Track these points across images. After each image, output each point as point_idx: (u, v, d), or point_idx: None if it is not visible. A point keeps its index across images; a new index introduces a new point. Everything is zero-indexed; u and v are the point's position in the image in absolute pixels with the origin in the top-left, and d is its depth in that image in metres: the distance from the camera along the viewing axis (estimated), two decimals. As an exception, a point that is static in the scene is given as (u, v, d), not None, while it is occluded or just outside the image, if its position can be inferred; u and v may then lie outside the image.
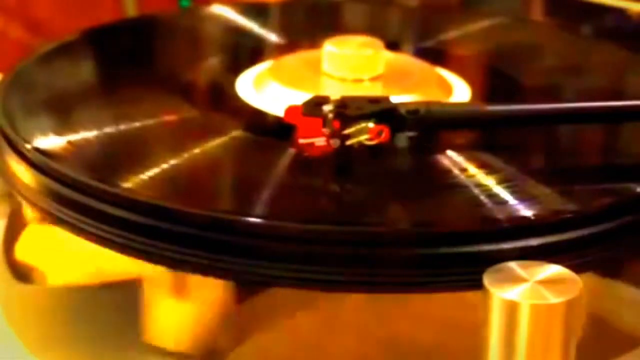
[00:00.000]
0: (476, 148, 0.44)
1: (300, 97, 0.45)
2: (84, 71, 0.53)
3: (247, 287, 0.43)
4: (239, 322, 0.44)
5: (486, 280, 0.35)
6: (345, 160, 0.42)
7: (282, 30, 0.59)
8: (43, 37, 0.74)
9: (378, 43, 0.51)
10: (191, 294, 0.44)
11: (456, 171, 0.42)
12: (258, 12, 0.61)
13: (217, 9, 0.61)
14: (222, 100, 0.50)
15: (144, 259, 0.40)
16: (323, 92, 0.45)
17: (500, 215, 0.39)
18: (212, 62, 0.55)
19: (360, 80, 0.50)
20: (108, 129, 0.46)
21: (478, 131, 0.46)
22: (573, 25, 0.66)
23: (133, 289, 0.44)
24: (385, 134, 0.42)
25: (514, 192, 0.40)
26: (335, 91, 0.45)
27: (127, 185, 0.40)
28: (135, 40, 0.58)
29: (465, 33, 0.59)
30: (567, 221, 0.39)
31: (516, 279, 0.35)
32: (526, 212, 0.39)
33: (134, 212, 0.39)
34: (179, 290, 0.44)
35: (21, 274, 0.48)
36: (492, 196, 0.40)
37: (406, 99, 0.46)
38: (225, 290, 0.44)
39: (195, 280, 0.42)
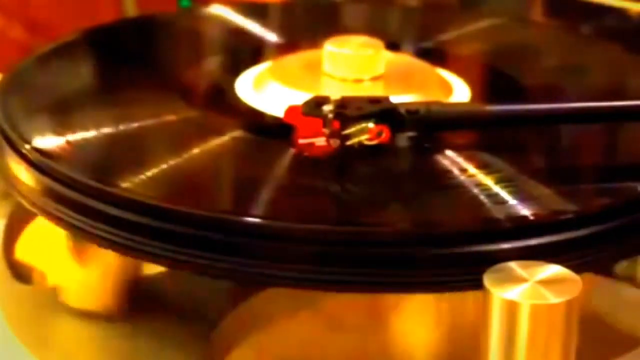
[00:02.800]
0: (476, 148, 0.44)
1: (300, 97, 0.45)
2: (84, 71, 0.53)
3: (247, 287, 0.43)
4: (238, 322, 0.44)
5: (486, 280, 0.35)
6: (345, 160, 0.42)
7: (282, 30, 0.59)
8: (43, 37, 0.74)
9: (378, 43, 0.51)
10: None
11: (456, 171, 0.42)
12: (258, 12, 0.61)
13: (217, 9, 0.61)
14: (221, 101, 0.50)
15: (144, 259, 0.40)
16: (323, 92, 0.45)
17: (500, 215, 0.39)
18: (212, 62, 0.55)
19: (360, 81, 0.50)
20: (108, 129, 0.46)
21: (478, 131, 0.46)
22: (573, 25, 0.66)
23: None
24: (385, 134, 0.42)
25: (514, 192, 0.40)
26: (335, 91, 0.45)
27: (126, 185, 0.40)
28: (135, 40, 0.58)
29: (465, 33, 0.59)
30: (567, 221, 0.39)
31: (516, 279, 0.35)
32: (526, 212, 0.39)
33: (133, 212, 0.39)
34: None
35: (21, 274, 0.48)
36: (492, 196, 0.40)
37: (406, 99, 0.46)
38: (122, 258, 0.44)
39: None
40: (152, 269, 0.45)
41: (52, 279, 0.48)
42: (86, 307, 0.46)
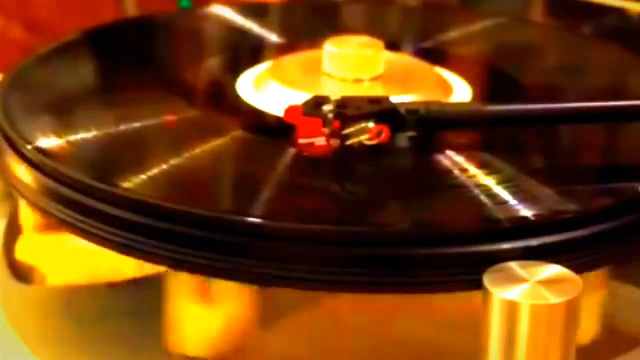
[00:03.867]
0: (476, 148, 0.44)
1: (300, 97, 0.45)
2: (84, 71, 0.53)
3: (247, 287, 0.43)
4: (239, 322, 0.44)
5: (486, 280, 0.35)
6: (345, 160, 0.42)
7: (282, 30, 0.59)
8: (43, 37, 0.74)
9: (378, 43, 0.51)
10: (211, 296, 0.43)
11: (456, 171, 0.42)
12: (258, 12, 0.61)
13: (217, 9, 0.61)
14: (222, 101, 0.50)
15: (144, 259, 0.40)
16: (323, 92, 0.45)
17: (500, 215, 0.39)
18: (212, 63, 0.55)
19: (360, 80, 0.50)
20: (108, 129, 0.46)
21: (478, 131, 0.46)
22: (573, 25, 0.66)
23: (138, 289, 0.44)
24: (385, 134, 0.42)
25: (514, 192, 0.40)
26: (335, 91, 0.45)
27: (127, 185, 0.40)
28: (135, 40, 0.58)
29: (465, 33, 0.59)
30: (567, 221, 0.39)
31: (516, 279, 0.35)
32: (526, 212, 0.39)
33: (134, 212, 0.39)
34: (199, 292, 0.43)
35: (21, 274, 0.48)
36: (492, 196, 0.40)
37: (406, 99, 0.46)
38: (246, 293, 0.43)
39: (216, 282, 0.41)
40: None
41: (58, 282, 0.47)
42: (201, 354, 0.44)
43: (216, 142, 0.45)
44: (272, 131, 0.46)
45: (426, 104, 0.44)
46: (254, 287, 0.41)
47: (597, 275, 0.43)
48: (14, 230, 0.49)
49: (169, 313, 0.43)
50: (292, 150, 0.42)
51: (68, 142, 0.44)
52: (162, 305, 0.43)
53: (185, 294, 0.42)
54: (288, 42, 0.57)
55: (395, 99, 0.44)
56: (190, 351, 0.43)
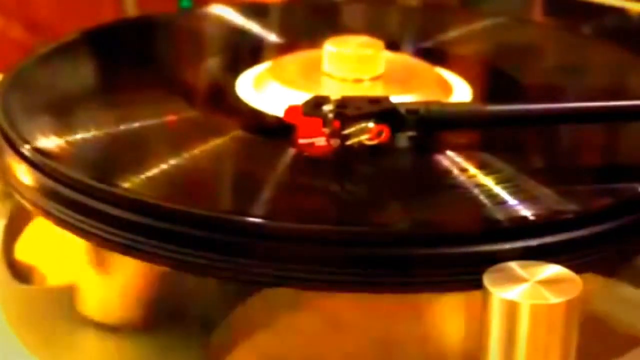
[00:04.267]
0: (476, 148, 0.44)
1: (300, 97, 0.45)
2: (84, 71, 0.53)
3: (247, 287, 0.43)
4: (238, 322, 0.44)
5: (486, 280, 0.35)
6: (345, 160, 0.42)
7: (282, 30, 0.59)
8: (43, 37, 0.74)
9: (378, 43, 0.51)
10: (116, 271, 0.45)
11: (456, 171, 0.42)
12: (258, 12, 0.61)
13: (217, 9, 0.61)
14: (222, 101, 0.50)
15: (144, 259, 0.40)
16: (323, 92, 0.45)
17: (500, 215, 0.39)
18: (212, 63, 0.55)
19: (360, 80, 0.50)
20: (108, 129, 0.46)
21: (478, 131, 0.46)
22: (573, 25, 0.66)
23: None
24: (385, 134, 0.42)
25: (513, 192, 0.40)
26: (335, 91, 0.45)
27: (127, 185, 0.40)
28: (135, 40, 0.58)
29: (465, 33, 0.59)
30: (567, 221, 0.39)
31: (516, 279, 0.35)
32: (526, 212, 0.39)
33: (134, 212, 0.39)
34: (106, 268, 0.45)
35: (21, 274, 0.48)
36: (492, 196, 0.40)
37: (406, 99, 0.46)
38: (144, 268, 0.43)
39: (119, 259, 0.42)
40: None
41: (58, 281, 0.48)
42: (104, 319, 0.45)
43: (216, 142, 0.45)
44: (272, 131, 0.46)
45: (426, 104, 0.44)
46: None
47: (597, 275, 0.43)
48: (14, 230, 0.49)
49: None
50: (292, 150, 0.42)
51: (67, 142, 0.44)
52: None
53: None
54: (288, 42, 0.57)
55: (395, 99, 0.44)
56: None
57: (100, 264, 0.46)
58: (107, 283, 0.46)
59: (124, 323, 0.45)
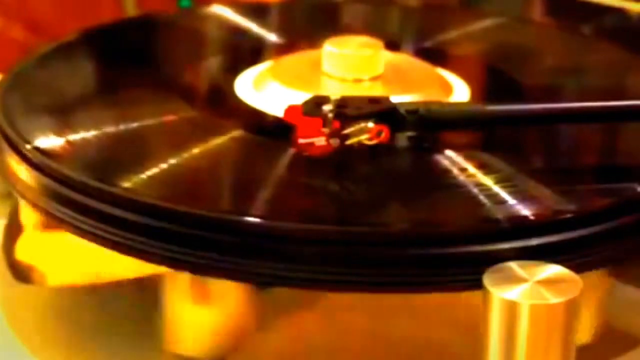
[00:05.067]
0: (476, 148, 0.44)
1: (300, 97, 0.45)
2: (84, 71, 0.53)
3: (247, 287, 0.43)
4: (239, 322, 0.44)
5: (486, 280, 0.35)
6: (345, 160, 0.42)
7: (282, 30, 0.59)
8: (43, 37, 0.74)
9: (378, 43, 0.51)
10: (209, 296, 0.43)
11: (456, 171, 0.42)
12: (258, 12, 0.61)
13: (217, 9, 0.61)
14: (221, 101, 0.50)
15: (144, 259, 0.40)
16: (323, 92, 0.45)
17: (500, 215, 0.39)
18: (212, 62, 0.55)
19: (360, 80, 0.50)
20: (108, 129, 0.46)
21: (478, 131, 0.46)
22: (573, 25, 0.66)
23: (138, 289, 0.44)
24: (385, 134, 0.42)
25: (513, 192, 0.40)
26: (335, 91, 0.45)
27: (127, 185, 0.40)
28: (135, 40, 0.57)
29: (465, 33, 0.59)
30: (567, 221, 0.39)
31: (516, 279, 0.35)
32: (526, 212, 0.39)
33: (134, 212, 0.39)
34: (196, 292, 0.43)
35: (21, 274, 0.48)
36: (492, 196, 0.40)
37: (406, 99, 0.46)
38: (244, 293, 0.43)
39: (213, 282, 0.41)
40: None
41: (58, 282, 0.47)
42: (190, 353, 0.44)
43: (216, 142, 0.45)
44: (272, 131, 0.46)
45: (426, 104, 0.44)
46: (250, 287, 0.41)
47: (597, 275, 0.43)
48: (14, 230, 0.49)
49: (166, 313, 0.43)
50: (292, 150, 0.42)
51: (68, 142, 0.44)
52: (160, 305, 0.43)
53: (182, 293, 0.42)
54: (288, 42, 0.57)
55: (395, 99, 0.44)
56: (187, 351, 0.43)
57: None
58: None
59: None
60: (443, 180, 0.42)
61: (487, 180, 0.41)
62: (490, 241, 0.38)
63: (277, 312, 0.44)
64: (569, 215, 0.39)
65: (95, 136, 0.45)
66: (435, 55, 0.54)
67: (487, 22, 0.61)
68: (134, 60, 0.54)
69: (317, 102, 0.43)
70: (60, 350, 0.45)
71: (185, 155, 0.43)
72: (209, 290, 0.42)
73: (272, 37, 0.58)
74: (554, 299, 0.34)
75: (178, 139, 0.45)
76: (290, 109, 0.43)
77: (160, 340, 0.43)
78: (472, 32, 0.59)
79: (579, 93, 0.52)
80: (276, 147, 0.43)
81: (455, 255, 0.38)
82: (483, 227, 0.38)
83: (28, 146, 0.43)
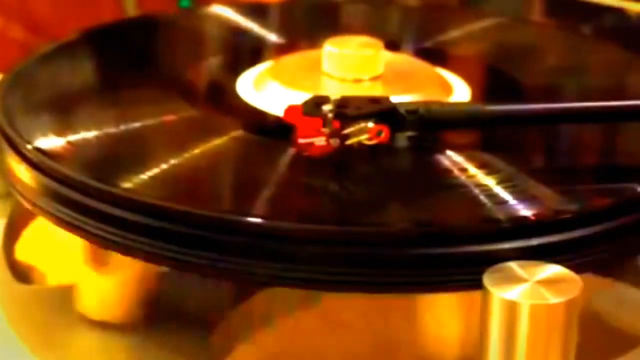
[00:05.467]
0: (476, 148, 0.44)
1: (300, 97, 0.45)
2: (84, 71, 0.53)
3: (247, 287, 0.43)
4: (238, 322, 0.44)
5: (486, 280, 0.35)
6: (345, 160, 0.42)
7: (282, 30, 0.59)
8: (43, 37, 0.74)
9: (378, 43, 0.51)
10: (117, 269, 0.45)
11: (456, 171, 0.42)
12: (258, 12, 0.61)
13: (217, 9, 0.61)
14: (222, 100, 0.50)
15: (144, 259, 0.40)
16: (323, 92, 0.45)
17: (500, 215, 0.39)
18: (212, 62, 0.55)
19: (360, 80, 0.50)
20: (108, 129, 0.46)
21: (478, 131, 0.46)
22: (573, 25, 0.66)
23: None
24: (385, 134, 0.42)
25: (514, 192, 0.40)
26: (335, 91, 0.45)
27: (127, 185, 0.40)
28: (135, 40, 0.58)
29: (465, 33, 0.59)
30: (567, 221, 0.39)
31: (516, 279, 0.35)
32: (526, 212, 0.39)
33: (134, 212, 0.39)
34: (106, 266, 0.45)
35: (21, 274, 0.48)
36: (492, 196, 0.40)
37: (406, 99, 0.46)
38: (142, 267, 0.44)
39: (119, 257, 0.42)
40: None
41: (58, 281, 0.48)
42: (102, 317, 0.45)
43: (216, 142, 0.45)
44: (272, 131, 0.46)
45: (426, 104, 0.44)
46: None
47: (597, 275, 0.43)
48: (14, 230, 0.49)
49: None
50: (292, 150, 0.42)
51: (68, 141, 0.44)
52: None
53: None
54: (288, 42, 0.57)
55: (395, 99, 0.44)
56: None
57: (100, 263, 0.46)
58: (107, 281, 0.46)
59: (124, 322, 0.45)
60: (443, 180, 0.42)
61: (488, 180, 0.41)
62: (490, 241, 0.38)
63: (277, 312, 0.44)
64: (569, 215, 0.39)
65: (95, 136, 0.45)
66: (435, 55, 0.54)
67: (487, 22, 0.61)
68: (134, 60, 0.54)
69: (317, 102, 0.43)
70: (60, 350, 0.45)
71: (186, 155, 0.43)
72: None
73: (272, 37, 0.58)
74: (554, 299, 0.34)
75: (178, 139, 0.45)
76: (290, 109, 0.43)
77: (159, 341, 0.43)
78: (472, 32, 0.59)
79: (579, 93, 0.52)
80: (276, 147, 0.43)
81: (455, 255, 0.38)
82: (483, 227, 0.38)
83: (28, 146, 0.43)
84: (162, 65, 0.55)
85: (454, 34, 0.59)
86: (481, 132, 0.46)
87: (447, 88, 0.51)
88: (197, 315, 0.44)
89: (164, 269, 0.41)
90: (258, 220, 0.38)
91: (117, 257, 0.41)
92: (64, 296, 0.47)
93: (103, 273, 0.46)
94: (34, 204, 0.43)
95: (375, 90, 0.49)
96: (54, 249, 0.47)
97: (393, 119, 0.43)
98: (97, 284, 0.46)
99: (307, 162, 0.42)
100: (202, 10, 0.62)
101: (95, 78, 0.53)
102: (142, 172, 0.41)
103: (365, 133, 0.42)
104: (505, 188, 0.41)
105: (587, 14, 0.67)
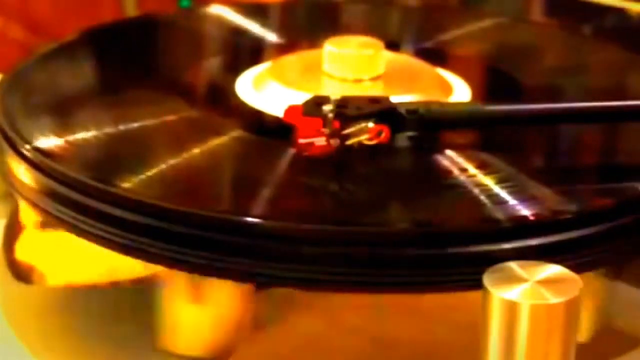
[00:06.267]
0: (476, 148, 0.44)
1: (300, 97, 0.45)
2: (84, 71, 0.53)
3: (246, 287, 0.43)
4: (239, 322, 0.44)
5: (486, 280, 0.35)
6: (345, 160, 0.42)
7: (282, 30, 0.59)
8: (43, 37, 0.74)
9: (378, 43, 0.51)
10: (206, 296, 0.43)
11: (456, 171, 0.42)
12: (258, 12, 0.61)
13: (217, 9, 0.61)
14: (221, 101, 0.50)
15: (144, 259, 0.40)
16: (323, 92, 0.45)
17: (500, 215, 0.39)
18: (212, 62, 0.55)
19: (360, 80, 0.50)
20: (108, 129, 0.46)
21: (478, 131, 0.46)
22: (573, 25, 0.66)
23: (138, 290, 0.44)
24: (385, 134, 0.42)
25: (513, 192, 0.40)
26: (335, 91, 0.45)
27: (127, 185, 0.40)
28: (135, 40, 0.57)
29: (465, 33, 0.59)
30: (567, 221, 0.39)
31: (516, 279, 0.35)
32: (526, 212, 0.39)
33: (134, 212, 0.39)
34: (194, 293, 0.43)
35: (21, 274, 0.48)
36: (492, 196, 0.40)
37: (406, 99, 0.46)
38: (241, 294, 0.43)
39: (210, 283, 0.42)
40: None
41: (58, 282, 0.47)
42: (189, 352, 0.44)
43: (216, 142, 0.45)
44: (272, 131, 0.46)
45: (426, 104, 0.44)
46: (246, 286, 0.42)
47: (597, 275, 0.43)
48: (14, 230, 0.49)
49: (163, 312, 0.43)
50: (292, 150, 0.42)
51: (68, 142, 0.44)
52: (158, 305, 0.43)
53: (178, 293, 0.42)
54: (288, 42, 0.57)
55: (395, 99, 0.44)
56: (185, 351, 0.43)
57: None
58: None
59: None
60: (443, 180, 0.42)
61: (487, 180, 0.41)
62: (490, 241, 0.38)
63: (277, 312, 0.44)
64: (569, 215, 0.39)
65: (95, 136, 0.45)
66: (435, 55, 0.54)
67: (487, 22, 0.61)
68: (134, 60, 0.54)
69: (317, 102, 0.43)
70: (60, 350, 0.45)
71: (185, 155, 0.43)
72: (205, 289, 0.42)
73: (272, 37, 0.58)
74: (554, 299, 0.34)
75: (178, 139, 0.45)
76: (290, 109, 0.43)
77: (159, 340, 0.43)
78: (472, 32, 0.59)
79: (579, 93, 0.52)
80: (276, 147, 0.43)
81: (455, 255, 0.38)
82: (483, 227, 0.38)
83: (28, 146, 0.43)
84: (162, 66, 0.55)
85: (454, 34, 0.59)
86: (481, 132, 0.46)
87: (447, 88, 0.51)
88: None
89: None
90: (258, 220, 0.38)
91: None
92: (64, 296, 0.47)
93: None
94: (34, 204, 0.43)
95: (376, 90, 0.49)
96: (54, 249, 0.47)
97: (393, 119, 0.43)
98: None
99: (307, 162, 0.42)
100: (202, 10, 0.62)
101: (95, 78, 0.53)
102: (142, 172, 0.41)
103: (365, 133, 0.42)
104: (505, 188, 0.41)
105: (588, 14, 0.67)
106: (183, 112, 0.48)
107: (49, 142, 0.44)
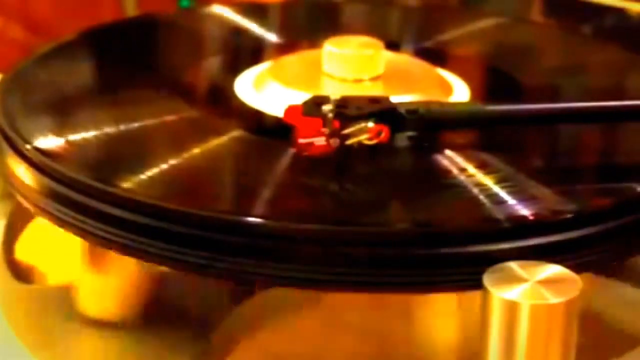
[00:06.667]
0: (476, 148, 0.44)
1: (300, 97, 0.45)
2: (84, 71, 0.53)
3: (247, 287, 0.43)
4: (239, 322, 0.44)
5: (486, 280, 0.35)
6: (345, 160, 0.42)
7: (282, 30, 0.59)
8: (43, 37, 0.74)
9: (378, 43, 0.51)
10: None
11: (456, 171, 0.42)
12: (258, 12, 0.61)
13: (217, 9, 0.61)
14: (221, 101, 0.50)
15: (144, 259, 0.40)
16: (323, 92, 0.45)
17: (500, 215, 0.39)
18: (212, 62, 0.55)
19: (360, 80, 0.50)
20: (108, 129, 0.46)
21: (478, 131, 0.46)
22: (573, 25, 0.66)
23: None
24: (385, 134, 0.42)
25: (513, 192, 0.40)
26: (335, 91, 0.45)
27: (127, 185, 0.40)
28: (135, 40, 0.58)
29: (465, 33, 0.59)
30: (567, 221, 0.39)
31: (516, 279, 0.35)
32: (526, 212, 0.39)
33: (133, 212, 0.39)
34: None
35: (21, 274, 0.48)
36: (492, 196, 0.40)
37: (406, 99, 0.46)
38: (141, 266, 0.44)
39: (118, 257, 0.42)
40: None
41: (58, 281, 0.48)
42: (101, 316, 0.45)
43: (216, 142, 0.45)
44: (271, 131, 0.46)
45: (426, 104, 0.44)
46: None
47: (595, 275, 0.43)
48: (14, 230, 0.49)
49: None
50: (291, 150, 0.42)
51: (67, 141, 0.44)
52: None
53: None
54: (288, 42, 0.57)
55: (395, 99, 0.44)
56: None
57: (99, 262, 0.46)
58: (107, 281, 0.46)
59: (123, 321, 0.45)
60: (443, 180, 0.42)
61: (487, 180, 0.41)
62: (490, 241, 0.38)
63: (276, 312, 0.44)
64: (569, 215, 0.39)
65: (95, 136, 0.45)
66: (435, 55, 0.54)
67: (487, 22, 0.61)
68: (134, 60, 0.54)
69: (317, 102, 0.43)
70: (60, 350, 0.45)
71: (185, 155, 0.43)
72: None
73: (272, 37, 0.58)
74: (554, 299, 0.34)
75: (178, 139, 0.45)
76: (290, 109, 0.43)
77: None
78: (472, 32, 0.59)
79: (579, 93, 0.52)
80: (276, 147, 0.43)
81: (455, 255, 0.38)
82: (483, 227, 0.38)
83: (28, 146, 0.43)
84: (162, 65, 0.55)
85: (454, 34, 0.59)
86: (481, 132, 0.46)
87: (447, 88, 0.51)
88: (197, 315, 0.44)
89: (164, 268, 0.41)
90: (258, 220, 0.38)
91: (116, 257, 0.41)
92: (64, 296, 0.47)
93: (102, 273, 0.46)
94: (34, 204, 0.43)
95: (376, 90, 0.49)
96: (54, 249, 0.47)
97: (393, 119, 0.43)
98: (96, 284, 0.46)
99: (307, 162, 0.42)
100: (202, 10, 0.63)
101: (95, 78, 0.53)
102: (142, 172, 0.41)
103: (365, 133, 0.42)
104: (505, 188, 0.41)
105: (587, 14, 0.67)
106: (183, 112, 0.48)
107: (48, 142, 0.44)
